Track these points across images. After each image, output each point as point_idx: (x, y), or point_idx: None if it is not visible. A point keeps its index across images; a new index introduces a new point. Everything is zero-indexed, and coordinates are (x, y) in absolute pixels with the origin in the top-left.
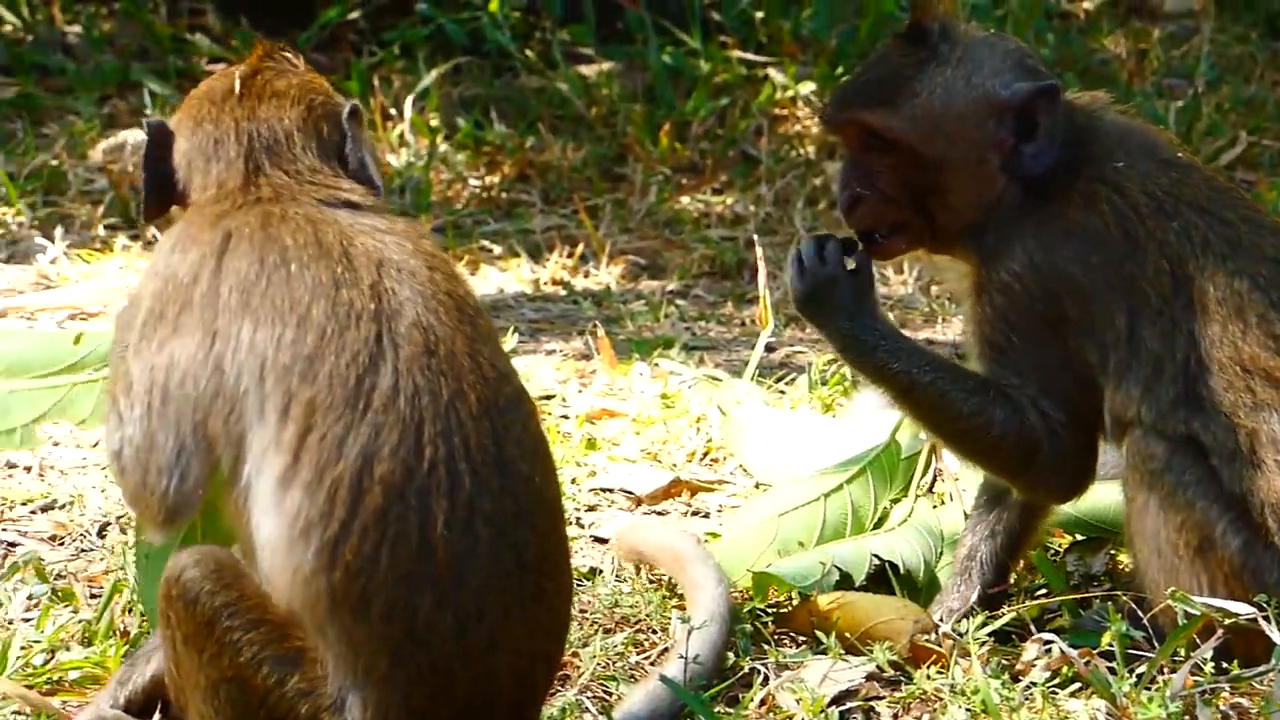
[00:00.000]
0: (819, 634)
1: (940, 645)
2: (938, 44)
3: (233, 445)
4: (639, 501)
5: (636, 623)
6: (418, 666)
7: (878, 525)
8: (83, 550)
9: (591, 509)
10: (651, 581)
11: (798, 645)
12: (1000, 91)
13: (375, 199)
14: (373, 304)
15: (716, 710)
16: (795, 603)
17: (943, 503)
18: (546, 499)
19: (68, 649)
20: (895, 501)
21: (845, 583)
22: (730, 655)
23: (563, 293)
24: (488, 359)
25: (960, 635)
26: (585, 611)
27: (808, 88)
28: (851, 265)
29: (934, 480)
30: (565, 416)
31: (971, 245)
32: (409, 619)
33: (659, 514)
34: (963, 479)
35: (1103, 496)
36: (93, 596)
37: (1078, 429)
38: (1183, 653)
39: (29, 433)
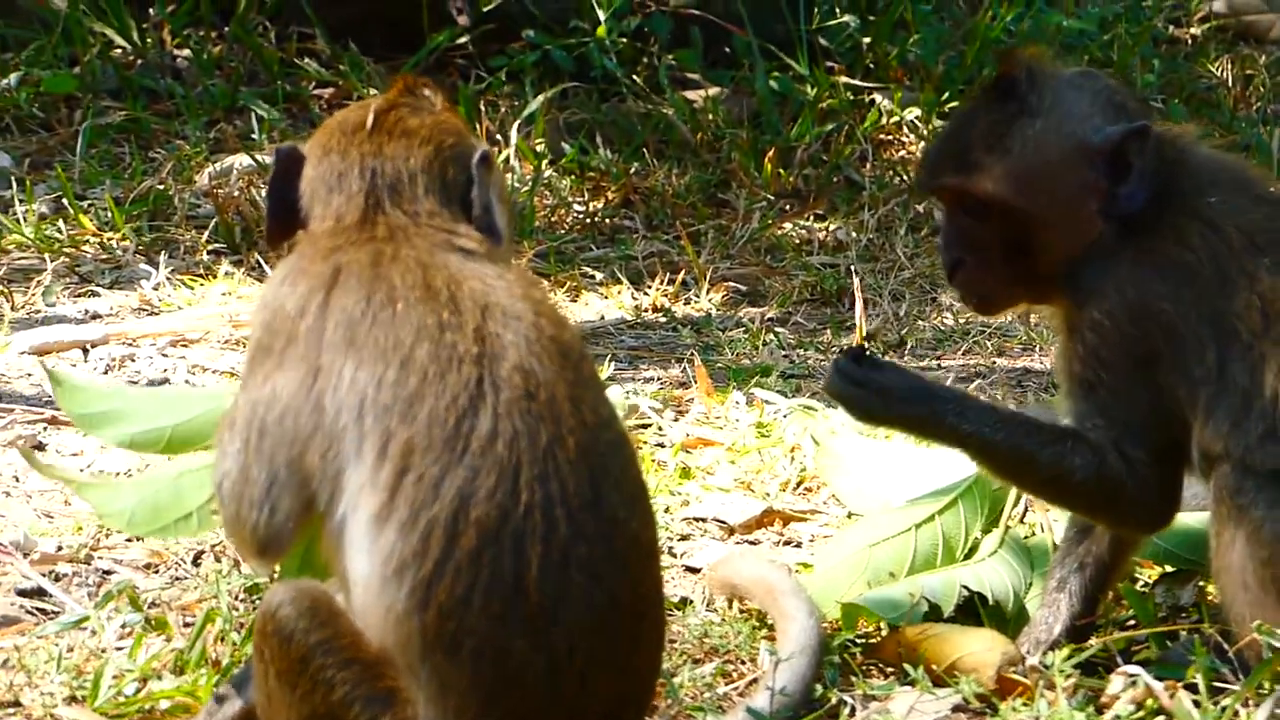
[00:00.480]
0: (906, 666)
1: (1026, 677)
2: (1026, 94)
3: (329, 482)
4: (732, 531)
5: (726, 653)
6: (510, 709)
7: (968, 555)
8: (177, 578)
9: (684, 538)
10: (742, 612)
11: (885, 677)
12: (1092, 137)
13: (495, 247)
14: (475, 347)
15: None
16: (884, 634)
17: (1033, 533)
18: (643, 544)
19: (159, 678)
20: (986, 532)
21: (934, 614)
22: (818, 687)
23: (663, 319)
24: (589, 405)
25: (1046, 668)
26: (675, 642)
27: (913, 113)
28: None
29: (1025, 511)
30: (661, 445)
31: (1066, 285)
32: (501, 661)
33: (751, 544)
34: (1053, 510)
35: (1192, 528)
36: (186, 625)
37: (1161, 465)
38: (1267, 687)
39: (204, 515)
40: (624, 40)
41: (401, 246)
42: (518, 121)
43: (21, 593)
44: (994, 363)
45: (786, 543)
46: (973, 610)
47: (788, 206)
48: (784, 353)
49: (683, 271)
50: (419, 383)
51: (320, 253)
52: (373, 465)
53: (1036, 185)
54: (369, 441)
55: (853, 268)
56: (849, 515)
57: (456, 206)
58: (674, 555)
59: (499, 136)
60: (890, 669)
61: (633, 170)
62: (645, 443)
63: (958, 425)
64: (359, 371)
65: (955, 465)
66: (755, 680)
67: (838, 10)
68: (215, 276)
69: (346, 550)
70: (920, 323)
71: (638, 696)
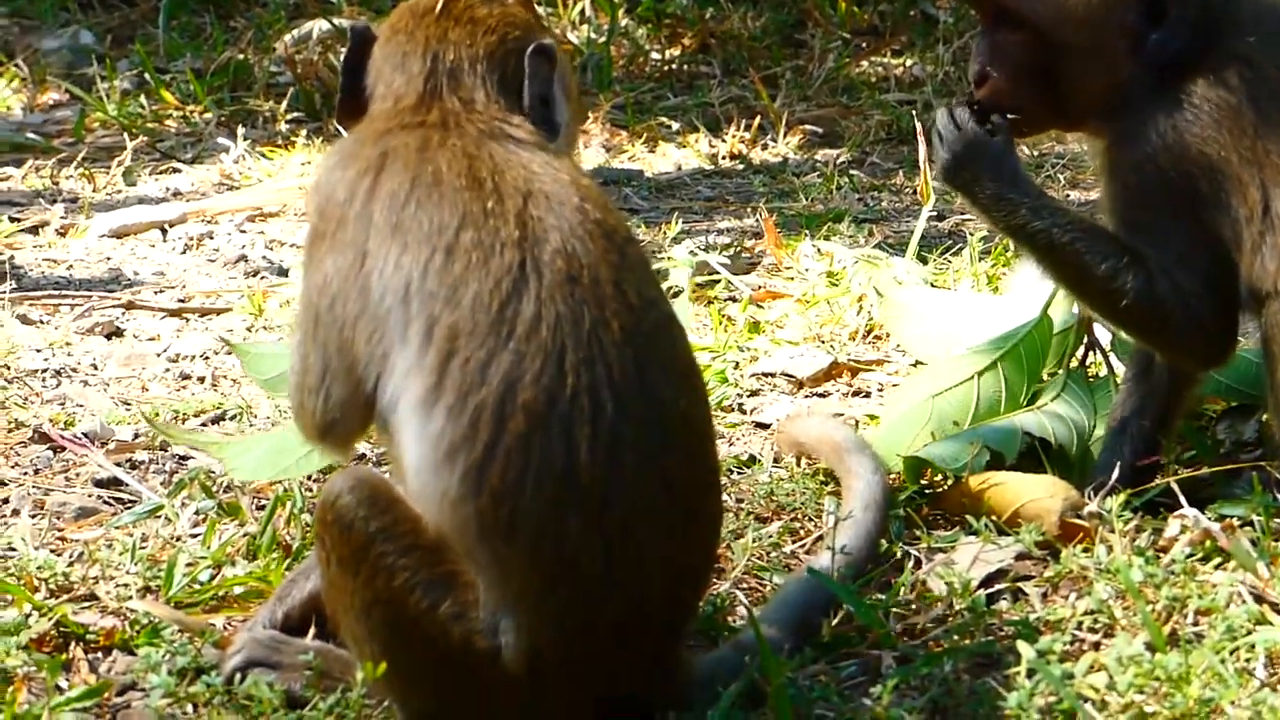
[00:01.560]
0: (969, 517)
1: (1088, 523)
2: None
3: (375, 365)
4: (801, 385)
5: (792, 511)
6: (568, 591)
7: (1031, 401)
8: None
9: (754, 394)
10: (810, 469)
11: (950, 528)
12: None
13: (547, 139)
14: (517, 231)
15: (867, 598)
16: (949, 485)
17: (1096, 377)
18: (694, 424)
19: (233, 564)
20: (1050, 376)
21: (998, 462)
22: (883, 542)
23: (739, 167)
24: (634, 286)
25: (1107, 512)
26: (742, 501)
27: None
28: (990, 129)
29: (1086, 354)
30: (732, 299)
31: (1103, 126)
32: (557, 544)
33: (820, 396)
34: (1115, 352)
35: (1255, 362)
36: (259, 508)
37: (1213, 298)
38: None
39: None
40: None
41: (450, 134)
42: None
43: (99, 483)
44: (1068, 195)
45: (855, 394)
46: (1037, 456)
47: (864, 44)
48: (858, 196)
49: (759, 117)
50: (463, 268)
51: (371, 136)
52: (418, 349)
53: (1070, 12)
54: (414, 326)
55: (913, 113)
56: (915, 364)
57: (514, 97)
58: (743, 411)
59: (533, 17)
60: (955, 520)
61: (708, 15)
62: (716, 298)
63: (1030, 220)
64: (404, 256)
65: (1017, 311)
66: (820, 538)
67: None
68: (294, 146)
69: (398, 435)
70: None
71: (695, 574)
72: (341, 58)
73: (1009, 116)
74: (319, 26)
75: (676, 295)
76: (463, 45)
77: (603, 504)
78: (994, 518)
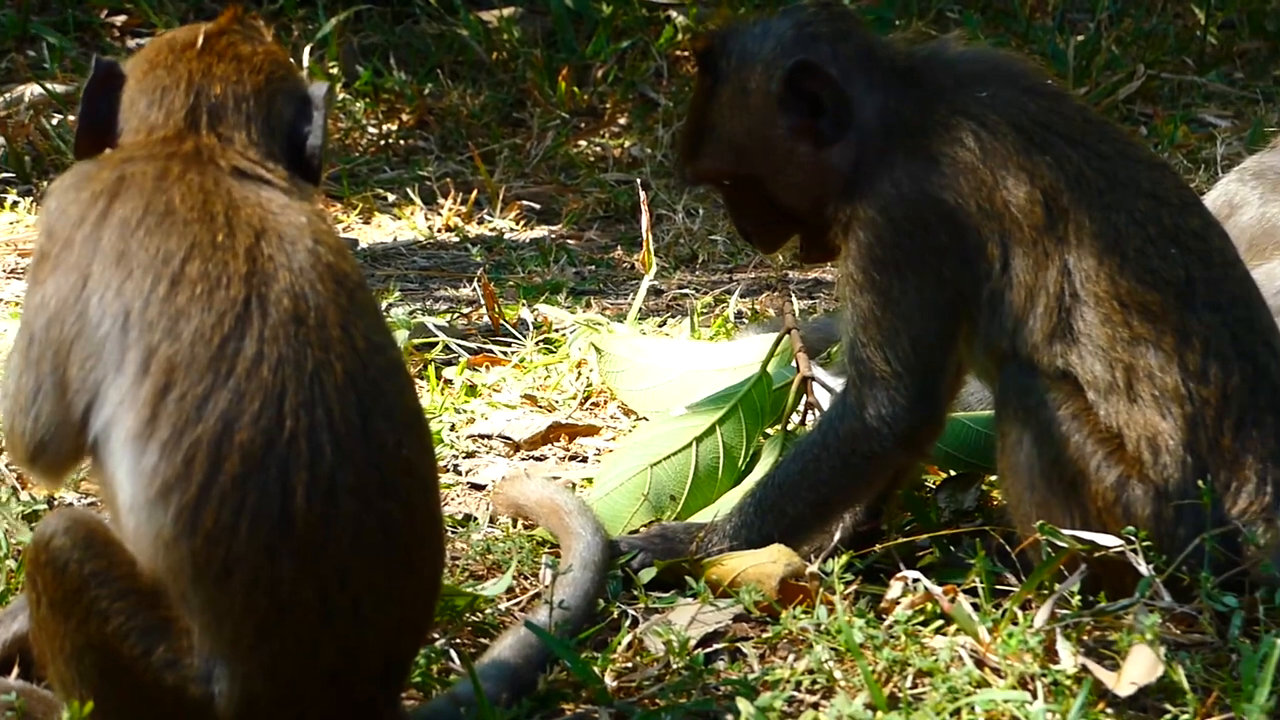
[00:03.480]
0: (688, 579)
1: (809, 584)
2: (718, 62)
3: (86, 392)
4: (517, 447)
5: (507, 568)
6: (282, 638)
7: (750, 462)
8: None
9: (470, 455)
10: (526, 528)
11: (668, 591)
12: (770, 86)
13: (306, 186)
14: (245, 266)
15: (584, 655)
16: None
17: None
18: (417, 472)
19: None
20: (767, 437)
21: None
22: (600, 601)
23: (455, 240)
24: (361, 331)
25: (827, 574)
26: (458, 559)
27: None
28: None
29: (806, 413)
30: (448, 363)
31: (843, 202)
32: (272, 590)
33: (537, 459)
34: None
35: (975, 430)
36: None
37: (926, 372)
38: (1049, 587)
39: None
40: None
41: (194, 167)
42: (310, 44)
43: None
44: (787, 274)
45: (572, 458)
46: None
47: (582, 125)
48: (575, 270)
49: (476, 191)
50: (186, 299)
51: (112, 162)
52: (134, 379)
53: (745, 149)
54: (131, 355)
55: (637, 182)
56: (635, 424)
57: (277, 138)
58: (459, 473)
59: (292, 59)
60: (674, 584)
61: (427, 91)
62: (432, 361)
63: (757, 528)
64: (127, 283)
65: (739, 358)
66: (537, 595)
67: None
68: (3, 206)
69: (111, 470)
70: (713, 237)
71: (415, 624)
72: (80, 101)
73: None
74: (30, 90)
75: None
76: (229, 82)
77: (318, 549)
78: (716, 584)
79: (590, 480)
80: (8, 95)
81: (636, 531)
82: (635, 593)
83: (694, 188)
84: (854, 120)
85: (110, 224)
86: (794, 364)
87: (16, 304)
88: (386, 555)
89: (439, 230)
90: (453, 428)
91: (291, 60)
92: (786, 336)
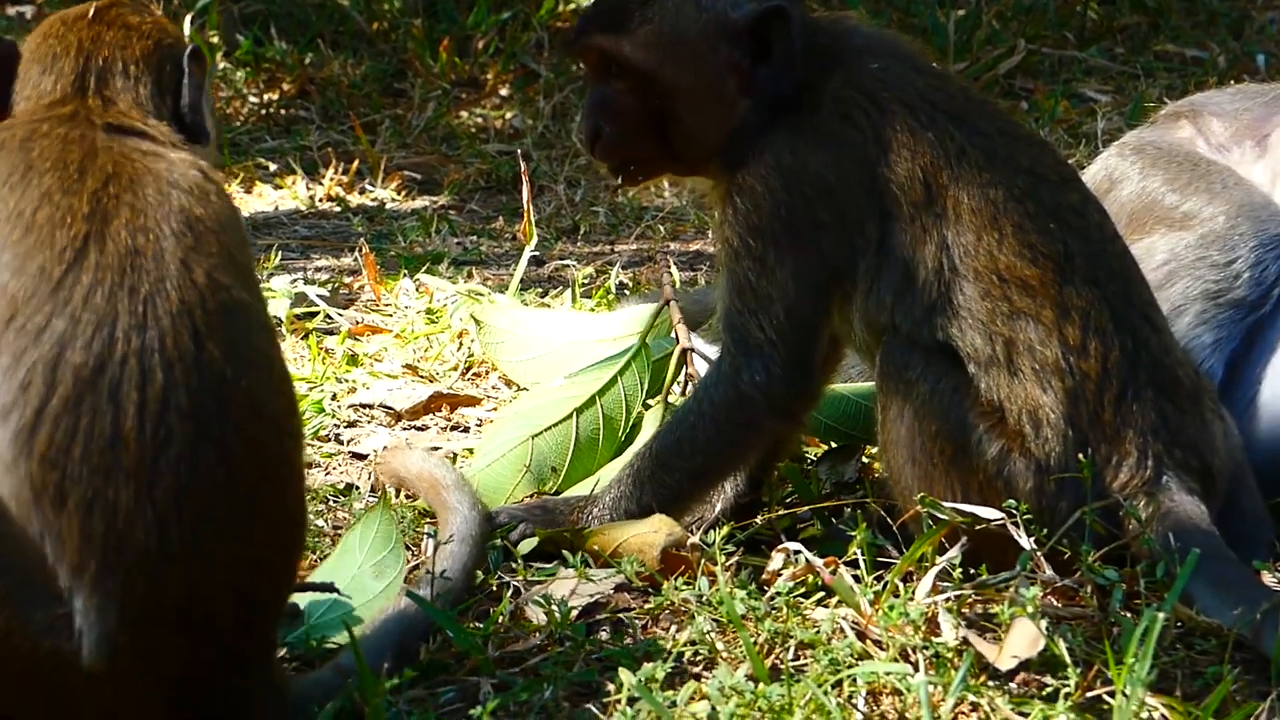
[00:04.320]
0: (565, 552)
1: (690, 555)
2: None
3: None
4: (399, 417)
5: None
6: (126, 567)
7: (631, 433)
8: None
9: (351, 425)
10: (408, 498)
11: (549, 562)
12: (730, 13)
13: (199, 144)
14: (88, 207)
15: (466, 625)
16: None
17: None
18: (266, 413)
19: None
20: (647, 407)
21: None
22: (479, 574)
23: (337, 209)
24: (204, 269)
25: (708, 546)
26: (340, 529)
27: (589, 0)
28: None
29: (686, 383)
30: (329, 333)
31: (720, 163)
32: (109, 514)
33: (419, 429)
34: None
35: (855, 402)
36: None
37: (800, 342)
38: (930, 559)
39: None
40: None
41: (62, 125)
42: (191, 13)
43: None
44: (668, 246)
45: (454, 427)
46: None
47: (464, 95)
48: (456, 240)
49: (357, 161)
50: (33, 242)
51: (16, 132)
52: None
53: (673, 55)
54: None
55: (518, 153)
56: (516, 394)
57: (162, 99)
58: (340, 442)
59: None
60: (554, 555)
61: (308, 61)
62: (314, 331)
63: (634, 498)
64: None
65: (619, 328)
66: (418, 566)
67: None
68: None
69: None
70: (595, 209)
71: (271, 566)
72: None
73: (618, 169)
74: None
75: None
76: (116, 47)
77: (152, 473)
78: (597, 554)
79: (471, 451)
80: None
81: (518, 503)
82: (515, 564)
83: (578, 59)
84: (784, 81)
85: (21, 186)
86: (673, 335)
87: None
88: (226, 487)
89: (320, 200)
90: (334, 397)
91: (180, 31)
92: (666, 307)
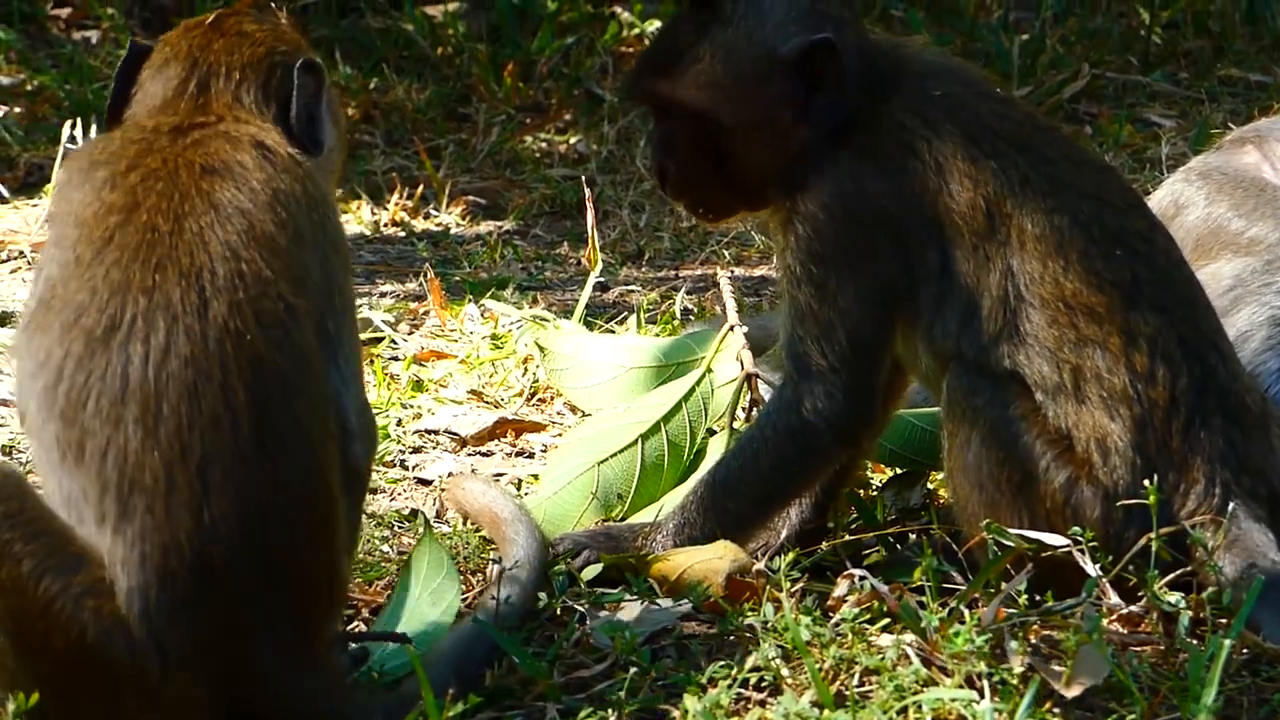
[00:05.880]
0: (629, 577)
1: (755, 581)
2: (724, 4)
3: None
4: (464, 443)
5: (454, 564)
6: (140, 513)
7: (695, 459)
8: None
9: (416, 450)
10: (473, 528)
11: (615, 589)
12: (780, 48)
13: (311, 155)
14: (125, 199)
15: (530, 650)
16: None
17: None
18: (271, 366)
19: None
20: (711, 432)
21: None
22: (543, 596)
23: (401, 234)
24: (220, 240)
25: (773, 572)
26: (405, 554)
27: (653, 25)
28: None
29: (751, 408)
30: (395, 359)
31: (781, 191)
32: (121, 459)
33: (484, 455)
34: None
35: (920, 428)
36: None
37: (862, 366)
38: (996, 586)
39: None
40: None
41: (171, 137)
42: None
43: None
44: (732, 271)
45: (519, 453)
46: None
47: (528, 120)
48: (521, 265)
49: (422, 186)
50: (78, 235)
51: (100, 141)
52: (41, 291)
53: (727, 93)
54: (38, 287)
55: (583, 178)
56: (581, 420)
57: (272, 107)
58: (405, 468)
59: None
60: (620, 582)
61: (372, 86)
62: (379, 356)
63: (698, 524)
64: (63, 241)
65: (682, 352)
66: (483, 592)
67: None
68: None
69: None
70: (659, 234)
71: (289, 524)
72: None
73: (701, 211)
74: None
75: None
76: (225, 54)
77: (157, 415)
78: (662, 581)
79: (537, 477)
80: None
81: (583, 530)
82: (580, 590)
83: (636, 105)
84: (840, 109)
85: (83, 189)
86: (737, 360)
87: None
88: (232, 431)
89: (385, 225)
90: (399, 423)
91: (301, 38)
92: (729, 332)
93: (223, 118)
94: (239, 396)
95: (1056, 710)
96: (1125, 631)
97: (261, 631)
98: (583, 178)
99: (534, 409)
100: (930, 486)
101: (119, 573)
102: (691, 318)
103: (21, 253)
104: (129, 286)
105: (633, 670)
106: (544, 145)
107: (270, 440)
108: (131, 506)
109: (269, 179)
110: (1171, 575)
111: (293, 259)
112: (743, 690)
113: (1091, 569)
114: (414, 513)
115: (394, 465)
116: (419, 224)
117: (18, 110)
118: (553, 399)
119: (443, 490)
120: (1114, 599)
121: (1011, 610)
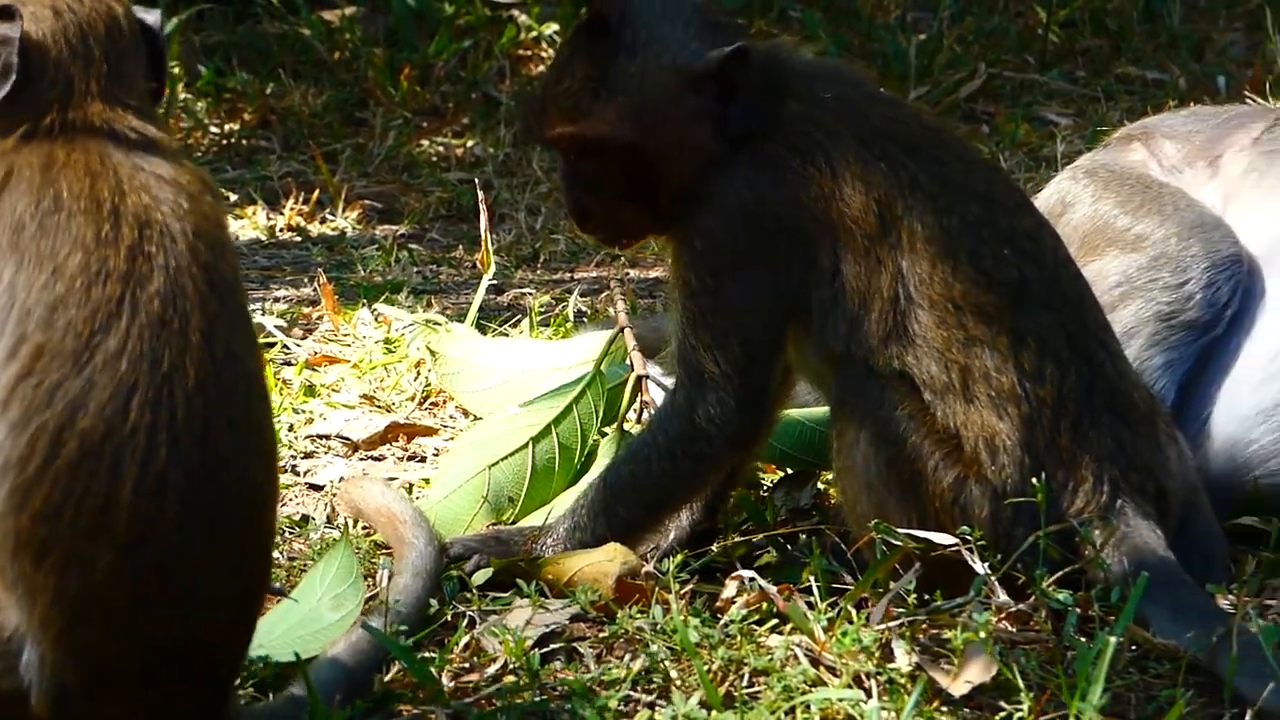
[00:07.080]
0: (520, 581)
1: (645, 583)
2: (619, 31)
3: None
4: (355, 448)
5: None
6: (93, 626)
7: (586, 462)
8: None
9: (308, 455)
10: (365, 529)
11: (505, 592)
12: (692, 64)
13: (155, 108)
14: (125, 265)
15: (420, 656)
16: None
17: None
18: (252, 485)
19: None
20: (602, 435)
21: None
22: (434, 603)
23: (297, 239)
24: (223, 339)
25: (662, 574)
26: (295, 559)
27: (551, 29)
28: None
29: (641, 411)
30: (287, 363)
31: (681, 203)
32: (85, 574)
33: (376, 459)
34: None
35: (810, 429)
36: None
37: (754, 376)
38: (885, 585)
39: None
40: None
41: (77, 145)
42: None
43: None
44: (627, 273)
45: (411, 457)
46: None
47: (425, 124)
48: (416, 269)
49: (318, 191)
50: (65, 291)
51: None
52: (1, 365)
53: (646, 120)
54: (3, 342)
55: (475, 181)
56: (473, 423)
57: (140, 78)
58: (297, 473)
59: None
60: (509, 586)
61: (269, 91)
62: (271, 361)
63: (588, 528)
64: (18, 274)
65: (574, 356)
66: (374, 597)
67: None
68: None
69: None
70: (554, 236)
71: (239, 627)
72: None
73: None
74: None
75: None
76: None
77: (137, 543)
78: (552, 584)
79: (428, 481)
80: None
81: (473, 534)
82: (470, 595)
83: (547, 148)
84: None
85: (2, 216)
86: (628, 362)
87: None
88: (210, 561)
89: (281, 230)
90: (291, 428)
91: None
92: (620, 335)
93: (128, 118)
94: (223, 527)
95: (944, 709)
96: (1014, 629)
97: (190, 713)
98: (478, 181)
99: (426, 413)
100: (820, 487)
101: (41, 672)
102: (585, 320)
103: None
104: (134, 392)
105: (522, 674)
106: (440, 149)
107: (244, 564)
108: (85, 618)
109: (203, 220)
110: (1060, 573)
111: (247, 316)
112: (632, 692)
113: (980, 567)
114: (305, 518)
115: (285, 471)
116: (315, 228)
117: None
118: (445, 403)
119: (336, 493)
120: (1002, 597)
121: (900, 609)
